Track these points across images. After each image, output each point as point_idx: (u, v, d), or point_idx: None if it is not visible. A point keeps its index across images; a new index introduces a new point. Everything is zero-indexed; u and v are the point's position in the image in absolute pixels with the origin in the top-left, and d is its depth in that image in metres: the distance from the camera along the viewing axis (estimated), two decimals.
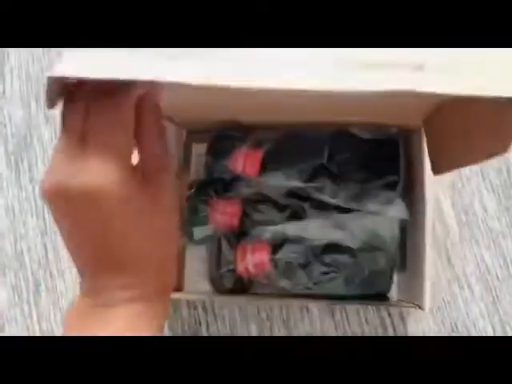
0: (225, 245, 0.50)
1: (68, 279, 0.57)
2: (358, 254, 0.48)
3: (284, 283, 0.49)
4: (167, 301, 0.35)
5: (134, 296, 0.31)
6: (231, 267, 0.49)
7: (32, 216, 0.58)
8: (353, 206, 0.50)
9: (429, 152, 0.47)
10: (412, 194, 0.52)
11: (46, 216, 0.58)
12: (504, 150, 0.31)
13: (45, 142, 0.59)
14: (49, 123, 0.60)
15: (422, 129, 0.49)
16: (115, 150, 0.28)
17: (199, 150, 0.58)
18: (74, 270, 0.56)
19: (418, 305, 0.47)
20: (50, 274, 0.57)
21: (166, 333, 0.55)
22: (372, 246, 0.48)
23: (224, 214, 0.50)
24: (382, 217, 0.49)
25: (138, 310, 0.31)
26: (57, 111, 0.59)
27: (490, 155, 0.33)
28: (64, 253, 0.57)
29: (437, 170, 0.45)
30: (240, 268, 0.49)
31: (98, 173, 0.28)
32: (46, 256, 0.57)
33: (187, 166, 0.58)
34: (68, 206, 0.28)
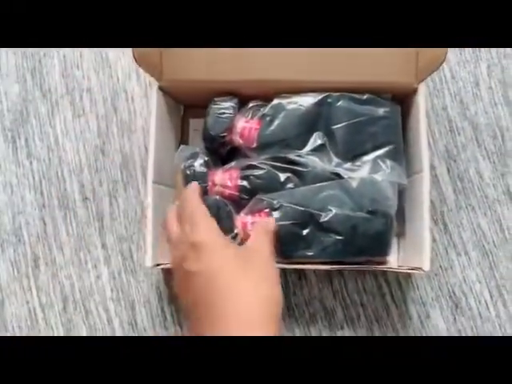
0: (225, 214, 0.50)
1: (67, 252, 0.57)
2: (357, 219, 0.48)
3: (283, 249, 0.49)
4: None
5: None
6: (232, 236, 0.49)
7: (30, 191, 0.58)
8: (350, 171, 0.50)
9: None
10: (408, 159, 0.52)
11: (44, 191, 0.58)
12: None
13: (42, 118, 0.59)
14: (45, 98, 0.60)
15: (418, 91, 0.49)
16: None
17: (196, 125, 0.58)
18: (73, 244, 0.57)
19: (418, 267, 0.47)
20: (49, 247, 0.57)
21: (166, 307, 0.56)
22: (370, 211, 0.49)
23: (224, 185, 0.51)
24: (380, 181, 0.49)
25: None
26: (52, 86, 0.59)
27: None
28: (63, 226, 0.57)
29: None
30: (241, 236, 0.50)
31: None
32: (45, 230, 0.57)
33: (185, 140, 0.58)
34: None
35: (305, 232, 0.49)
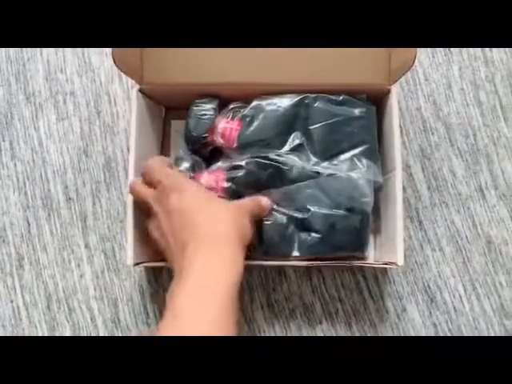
0: None
1: (51, 252, 0.58)
2: (334, 216, 0.50)
3: (266, 249, 0.51)
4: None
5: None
6: None
7: (14, 192, 0.59)
8: (328, 170, 0.51)
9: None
10: (383, 159, 0.54)
11: (28, 192, 0.59)
12: None
13: (26, 121, 0.61)
14: (29, 101, 0.61)
15: (391, 92, 0.51)
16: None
17: (177, 126, 0.59)
18: (57, 243, 0.58)
19: (392, 262, 0.49)
20: (33, 247, 0.58)
21: (149, 304, 0.57)
22: (347, 208, 0.50)
23: (210, 187, 0.51)
24: (357, 179, 0.51)
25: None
26: (36, 89, 0.60)
27: None
28: (47, 226, 0.58)
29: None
30: None
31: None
32: (29, 230, 0.58)
33: (166, 141, 0.59)
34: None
35: (287, 232, 0.50)
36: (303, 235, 0.50)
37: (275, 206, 0.51)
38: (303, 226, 0.50)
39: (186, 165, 0.52)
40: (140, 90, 0.52)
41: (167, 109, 0.60)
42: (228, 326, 0.37)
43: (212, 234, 0.41)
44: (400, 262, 0.48)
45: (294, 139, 0.52)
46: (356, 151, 0.52)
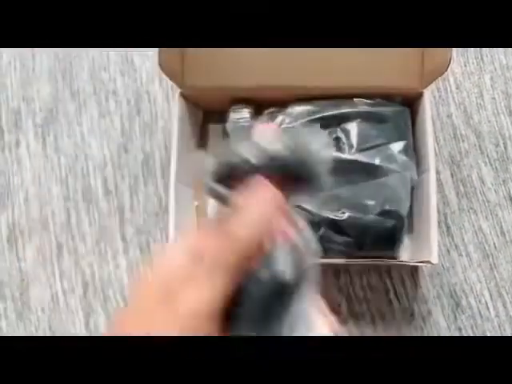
0: None
1: (88, 242, 0.60)
2: (368, 220, 0.51)
3: None
4: None
5: None
6: None
7: (56, 184, 0.62)
8: (364, 159, 0.52)
9: None
10: (417, 162, 0.55)
11: (70, 184, 0.62)
12: None
13: (70, 116, 0.64)
14: (74, 98, 0.64)
15: (423, 96, 0.53)
16: None
17: (215, 130, 0.62)
18: (94, 234, 0.60)
19: (427, 261, 0.50)
20: (72, 237, 0.61)
21: None
22: (381, 212, 0.51)
23: None
24: (392, 183, 0.52)
25: None
26: (80, 87, 0.63)
27: None
28: (86, 218, 0.61)
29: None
30: None
31: None
32: (69, 221, 0.61)
33: (204, 145, 0.62)
34: None
35: (319, 233, 0.52)
36: (335, 238, 0.52)
37: (310, 209, 0.52)
38: (336, 228, 0.51)
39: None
40: (181, 94, 0.55)
41: (204, 112, 0.62)
42: None
43: None
44: (434, 260, 0.49)
45: (332, 134, 0.54)
46: (393, 146, 0.53)
